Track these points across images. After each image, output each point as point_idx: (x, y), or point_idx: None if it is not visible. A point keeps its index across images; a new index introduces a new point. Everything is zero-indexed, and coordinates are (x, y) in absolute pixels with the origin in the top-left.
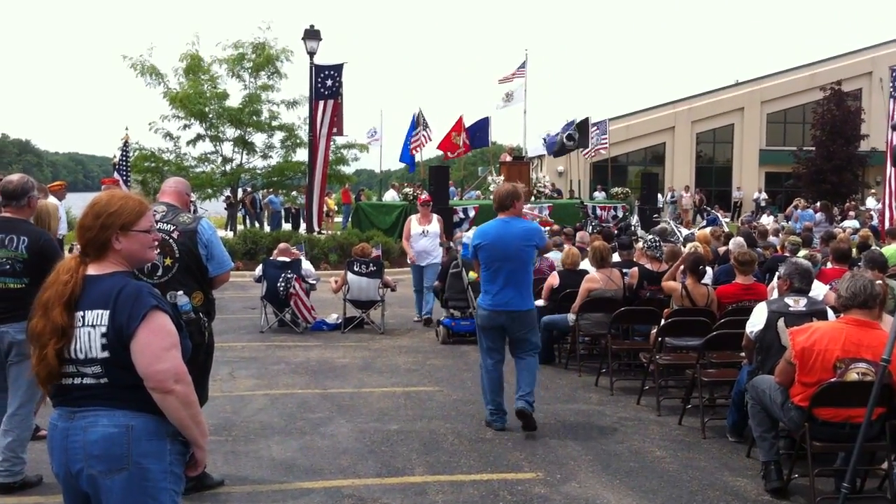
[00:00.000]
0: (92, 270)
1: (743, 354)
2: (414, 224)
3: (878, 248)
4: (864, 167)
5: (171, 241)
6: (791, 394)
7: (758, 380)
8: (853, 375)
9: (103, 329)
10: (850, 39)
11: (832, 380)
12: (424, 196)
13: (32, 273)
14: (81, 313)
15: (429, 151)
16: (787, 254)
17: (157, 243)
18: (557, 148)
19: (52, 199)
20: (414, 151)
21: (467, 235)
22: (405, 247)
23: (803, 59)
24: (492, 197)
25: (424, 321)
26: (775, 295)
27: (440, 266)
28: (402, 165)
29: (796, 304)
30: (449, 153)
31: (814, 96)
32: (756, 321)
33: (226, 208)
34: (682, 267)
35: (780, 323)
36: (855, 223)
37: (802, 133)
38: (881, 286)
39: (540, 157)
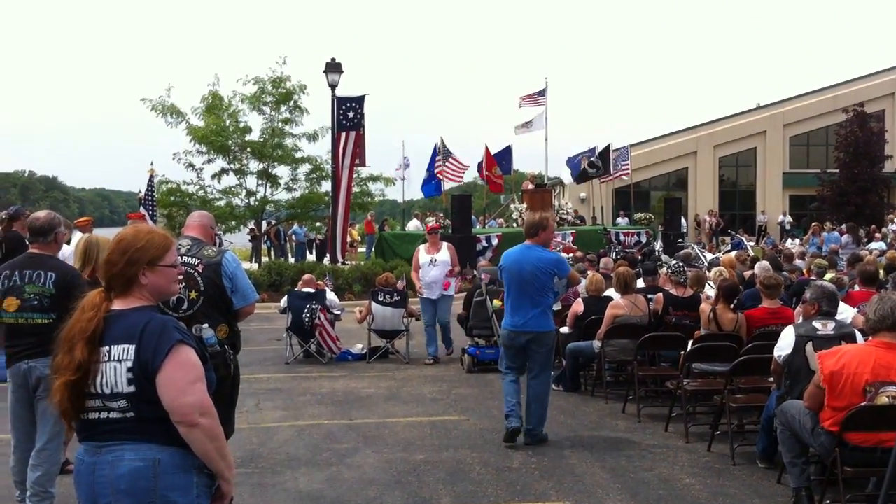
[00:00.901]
0: (117, 305)
1: (771, 379)
2: (422, 253)
3: None
4: (889, 188)
5: (195, 274)
6: (821, 418)
7: (787, 405)
8: (884, 399)
9: (129, 364)
10: (872, 60)
11: (862, 404)
12: (431, 223)
13: (60, 308)
14: (107, 348)
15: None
16: (813, 277)
17: (181, 277)
18: (580, 174)
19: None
20: (440, 176)
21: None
22: (413, 278)
23: (825, 81)
24: (525, 223)
25: (434, 361)
26: (799, 319)
27: (452, 299)
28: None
29: (824, 327)
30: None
31: (836, 118)
32: (784, 345)
33: (250, 240)
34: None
35: (809, 347)
36: (882, 245)
37: (826, 155)
38: None
39: (562, 183)
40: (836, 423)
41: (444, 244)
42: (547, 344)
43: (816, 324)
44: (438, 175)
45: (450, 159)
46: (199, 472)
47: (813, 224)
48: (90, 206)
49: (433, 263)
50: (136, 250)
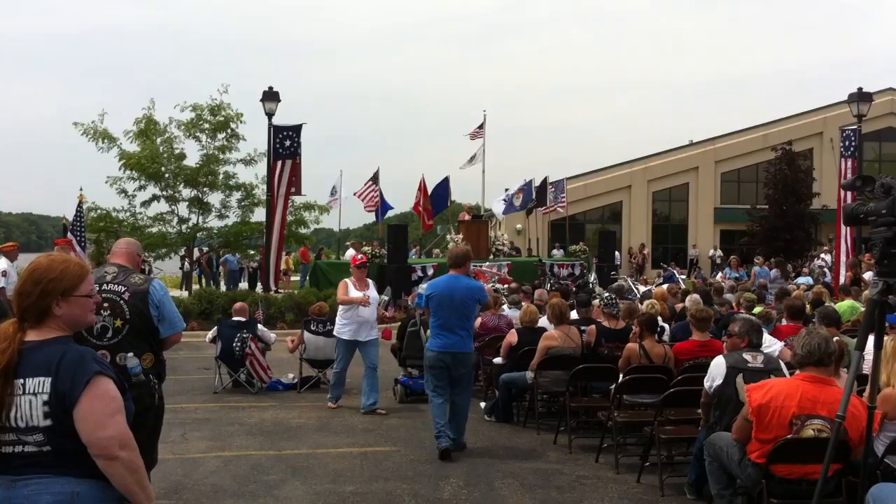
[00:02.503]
0: (31, 336)
1: (700, 411)
2: (351, 288)
3: (831, 305)
4: (817, 224)
5: (121, 302)
6: (748, 450)
7: (715, 437)
8: (809, 432)
9: (45, 397)
10: (800, 101)
11: (788, 436)
12: (360, 257)
13: None
14: (22, 381)
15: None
16: (742, 311)
17: (105, 306)
18: (507, 209)
19: (3, 260)
20: (370, 205)
21: (422, 287)
22: (344, 300)
23: (756, 119)
24: (447, 255)
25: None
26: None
27: (377, 342)
28: (361, 224)
29: (754, 359)
30: (425, 219)
31: (766, 156)
32: (715, 374)
33: (180, 267)
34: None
35: (739, 379)
36: (808, 280)
37: (756, 192)
38: (837, 342)
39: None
40: (762, 454)
41: (370, 281)
42: (468, 364)
43: (746, 356)
44: (369, 203)
45: (373, 187)
46: None
47: (731, 258)
48: (17, 231)
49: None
50: (49, 280)
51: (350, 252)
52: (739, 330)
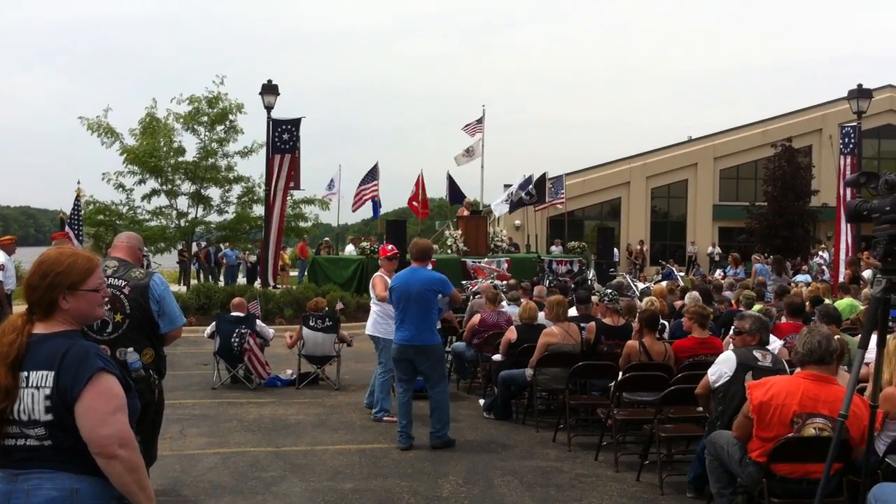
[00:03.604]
0: (39, 329)
1: (700, 409)
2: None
3: (831, 303)
4: (816, 222)
5: (122, 296)
6: (749, 449)
7: (715, 435)
8: (810, 430)
9: (47, 391)
10: (800, 97)
11: (789, 435)
12: (391, 248)
13: None
14: (26, 373)
15: (386, 205)
16: (741, 308)
17: (106, 300)
18: (512, 204)
19: (1, 254)
20: (368, 200)
21: None
22: (383, 295)
23: (755, 116)
24: (409, 248)
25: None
26: (731, 347)
27: None
28: (360, 219)
29: (764, 358)
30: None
31: (765, 153)
32: (726, 370)
33: (178, 262)
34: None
35: (749, 376)
36: (807, 277)
37: (755, 189)
38: (838, 341)
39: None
40: (763, 453)
41: None
42: (433, 356)
43: (757, 353)
44: (367, 199)
45: (373, 183)
46: (118, 503)
47: (731, 255)
48: (14, 225)
49: None
50: (56, 274)
51: (350, 248)
52: (750, 327)
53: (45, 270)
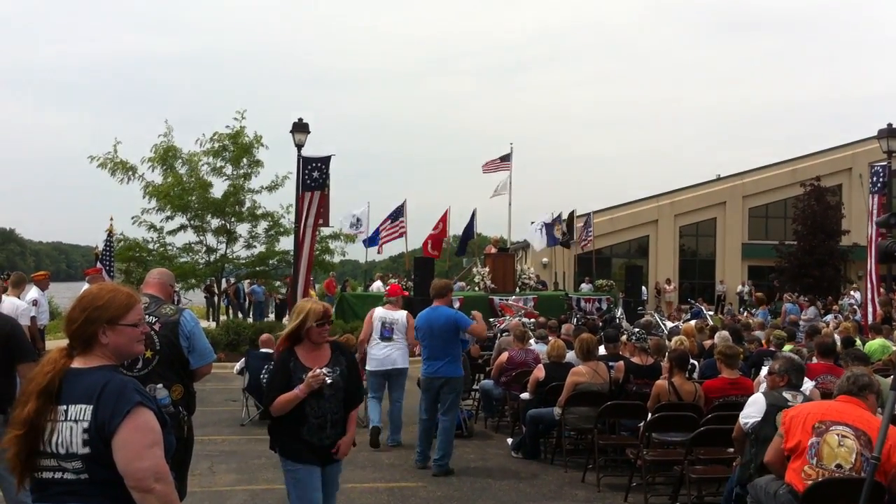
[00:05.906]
0: (77, 363)
1: (731, 450)
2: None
3: (859, 346)
4: (846, 262)
5: (152, 333)
6: (786, 480)
7: (759, 480)
8: (833, 437)
9: (85, 424)
10: (829, 136)
11: (824, 466)
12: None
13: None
14: (65, 407)
15: (413, 242)
16: (772, 348)
17: (144, 336)
18: (553, 241)
19: (34, 290)
20: (387, 239)
21: None
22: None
23: (784, 155)
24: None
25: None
26: (762, 389)
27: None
28: (387, 256)
29: (794, 398)
30: (428, 247)
31: (794, 191)
32: (754, 412)
33: (205, 296)
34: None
35: (779, 417)
36: (834, 318)
37: (784, 227)
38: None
39: (525, 248)
40: (793, 471)
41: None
42: (456, 388)
43: (787, 394)
44: (387, 238)
45: (399, 220)
46: None
47: (755, 294)
48: (46, 260)
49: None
50: (95, 308)
51: (377, 284)
52: (780, 368)
53: (85, 304)
